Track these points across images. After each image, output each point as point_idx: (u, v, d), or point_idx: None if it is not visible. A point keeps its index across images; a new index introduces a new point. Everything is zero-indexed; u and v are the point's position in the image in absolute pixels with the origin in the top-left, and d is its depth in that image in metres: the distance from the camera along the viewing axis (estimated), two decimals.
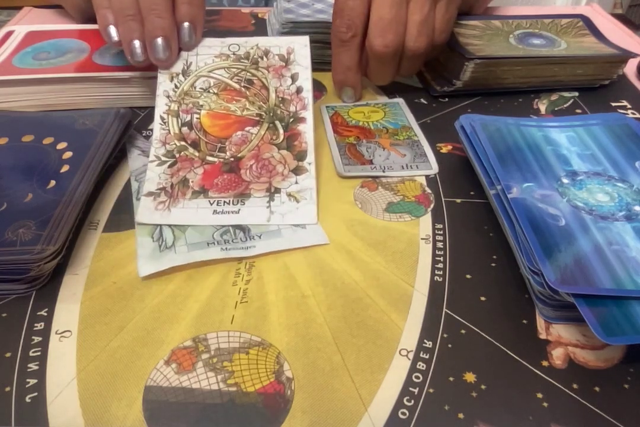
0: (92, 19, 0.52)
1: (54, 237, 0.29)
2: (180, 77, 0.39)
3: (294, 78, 0.39)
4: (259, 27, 0.59)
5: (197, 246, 0.31)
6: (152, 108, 0.38)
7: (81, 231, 0.33)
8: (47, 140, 0.36)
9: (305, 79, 0.39)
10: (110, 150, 0.36)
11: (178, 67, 0.40)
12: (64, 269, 0.31)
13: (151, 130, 0.38)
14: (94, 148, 0.35)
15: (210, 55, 0.40)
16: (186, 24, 0.39)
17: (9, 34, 0.48)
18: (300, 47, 0.40)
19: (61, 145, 0.36)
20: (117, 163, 0.39)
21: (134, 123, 0.42)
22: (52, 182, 0.33)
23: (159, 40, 0.37)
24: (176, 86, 0.39)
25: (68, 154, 0.35)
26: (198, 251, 0.31)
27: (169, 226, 0.33)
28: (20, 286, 0.29)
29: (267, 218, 0.34)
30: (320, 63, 0.48)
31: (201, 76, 0.39)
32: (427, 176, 0.38)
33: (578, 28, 0.52)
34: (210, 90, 0.39)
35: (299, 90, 0.39)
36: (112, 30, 0.39)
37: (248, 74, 0.39)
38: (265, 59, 0.40)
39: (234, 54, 0.40)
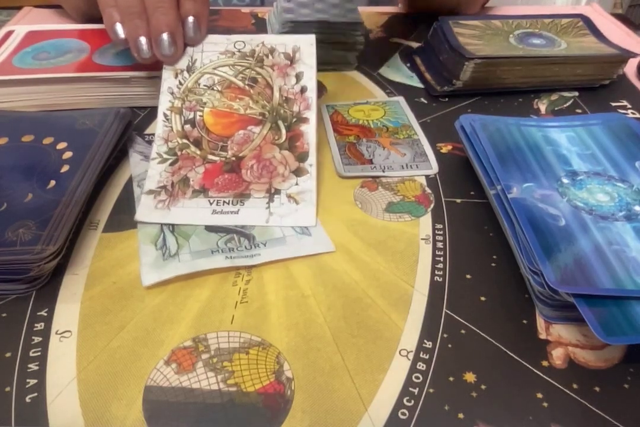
0: (92, 20, 0.52)
1: (54, 237, 0.29)
2: (185, 73, 0.39)
3: (298, 77, 0.39)
4: (259, 27, 0.59)
5: (201, 254, 0.31)
6: (153, 108, 0.38)
7: (81, 231, 0.33)
8: (47, 140, 0.36)
9: (310, 79, 0.39)
10: (110, 150, 0.36)
11: (183, 63, 0.39)
12: (64, 269, 0.31)
13: (153, 135, 0.38)
14: (94, 148, 0.35)
15: (215, 52, 0.40)
16: (191, 19, 0.39)
17: (9, 34, 0.48)
18: (306, 45, 0.40)
19: (61, 145, 0.36)
20: (117, 163, 0.39)
21: (134, 123, 0.42)
22: (52, 182, 0.33)
23: (165, 36, 0.37)
24: (180, 83, 0.39)
25: (68, 154, 0.35)
26: (202, 259, 0.31)
27: (172, 233, 0.33)
28: (20, 286, 0.29)
29: (265, 219, 0.34)
30: (320, 63, 0.48)
31: (206, 73, 0.39)
32: (427, 176, 0.38)
33: (578, 28, 0.52)
34: (214, 88, 0.39)
35: (303, 90, 0.39)
36: (119, 28, 0.39)
37: (253, 72, 0.39)
38: (270, 57, 0.40)
39: (239, 51, 0.40)
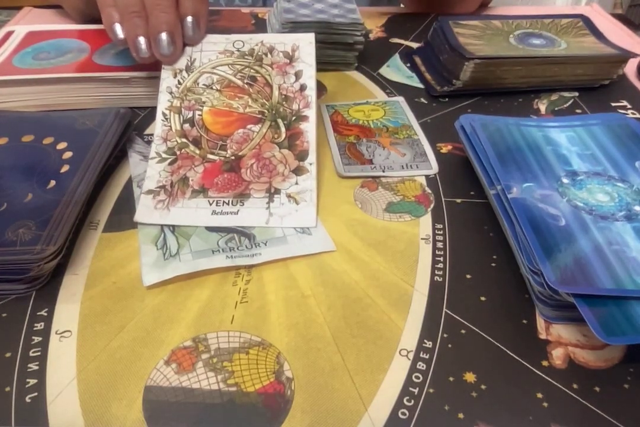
0: (91, 20, 0.52)
1: (54, 237, 0.29)
2: (184, 73, 0.39)
3: (297, 75, 0.39)
4: (259, 27, 0.59)
5: (202, 254, 0.31)
6: (153, 108, 0.38)
7: (81, 231, 0.33)
8: (47, 140, 0.36)
9: (309, 77, 0.39)
10: (110, 150, 0.36)
11: (182, 63, 0.39)
12: (64, 269, 0.31)
13: (152, 135, 0.38)
14: (94, 148, 0.35)
15: (214, 51, 0.40)
16: (189, 18, 0.39)
17: (9, 34, 0.48)
18: (305, 44, 0.40)
19: (61, 145, 0.36)
20: (117, 163, 0.39)
21: (134, 123, 0.42)
22: (52, 182, 0.33)
23: (163, 35, 0.37)
24: (179, 82, 0.39)
25: (68, 154, 0.35)
26: (203, 258, 0.31)
27: (173, 233, 0.33)
28: (20, 286, 0.29)
29: (265, 220, 0.34)
30: (320, 63, 0.48)
31: (204, 72, 0.39)
32: (427, 176, 0.38)
33: (578, 28, 0.52)
34: (213, 87, 0.39)
35: (302, 88, 0.39)
36: (118, 28, 0.39)
37: (252, 70, 0.39)
38: (269, 55, 0.40)
39: (238, 50, 0.40)
